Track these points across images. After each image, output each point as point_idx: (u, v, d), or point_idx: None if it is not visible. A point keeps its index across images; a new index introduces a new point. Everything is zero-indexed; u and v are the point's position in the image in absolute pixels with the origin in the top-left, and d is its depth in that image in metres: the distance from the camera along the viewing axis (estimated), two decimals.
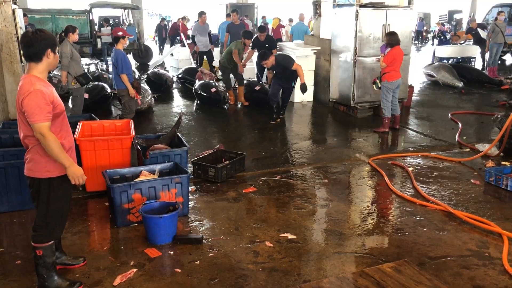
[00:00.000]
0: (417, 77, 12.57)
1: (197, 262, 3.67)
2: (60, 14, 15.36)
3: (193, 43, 12.64)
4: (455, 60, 14.93)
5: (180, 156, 5.10)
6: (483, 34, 14.82)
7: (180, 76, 11.67)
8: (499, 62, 14.55)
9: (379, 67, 7.56)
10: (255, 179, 5.52)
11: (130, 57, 14.83)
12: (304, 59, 9.12)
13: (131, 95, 6.72)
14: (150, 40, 26.73)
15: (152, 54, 17.14)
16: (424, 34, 28.36)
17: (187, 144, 5.37)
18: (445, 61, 14.68)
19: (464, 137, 7.21)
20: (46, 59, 3.00)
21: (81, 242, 4.02)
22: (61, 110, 3.09)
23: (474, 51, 15.07)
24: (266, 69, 9.24)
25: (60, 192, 3.12)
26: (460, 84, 11.33)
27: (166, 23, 22.72)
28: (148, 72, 11.63)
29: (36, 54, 2.97)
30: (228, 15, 15.10)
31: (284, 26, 17.71)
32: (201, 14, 12.14)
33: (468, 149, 6.65)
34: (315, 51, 9.56)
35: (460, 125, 7.82)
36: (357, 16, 8.32)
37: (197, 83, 10.03)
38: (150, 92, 9.24)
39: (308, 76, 7.93)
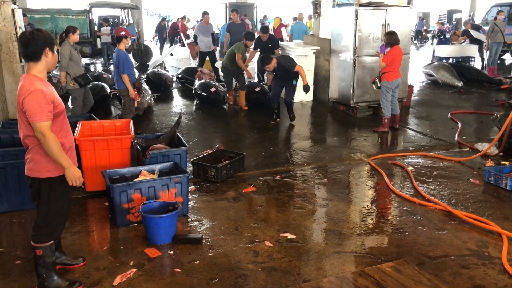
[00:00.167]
0: (416, 76, 12.57)
1: (197, 262, 3.67)
2: (59, 14, 15.35)
3: (194, 43, 12.60)
4: (454, 59, 14.93)
5: (180, 156, 5.09)
6: (475, 34, 14.88)
7: (179, 76, 11.66)
8: (499, 61, 14.55)
9: (379, 67, 7.56)
10: (255, 179, 5.52)
11: (129, 56, 14.79)
12: (303, 58, 9.11)
13: (131, 95, 6.72)
14: (150, 40, 26.69)
15: (152, 54, 17.12)
16: (424, 33, 28.35)
17: (186, 144, 5.36)
18: (444, 60, 14.68)
19: (464, 137, 7.22)
20: (44, 58, 3.01)
21: (80, 242, 4.02)
22: (62, 110, 3.10)
23: (474, 50, 15.08)
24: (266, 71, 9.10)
25: (61, 192, 3.12)
26: (460, 84, 11.34)
27: (166, 23, 22.69)
28: (148, 72, 11.63)
29: (34, 54, 2.97)
30: (231, 19, 15.04)
31: (285, 26, 17.69)
32: (204, 14, 12.10)
33: (467, 149, 6.66)
34: (315, 50, 9.56)
35: (459, 124, 7.83)
36: (356, 15, 8.32)
37: (197, 83, 10.03)
38: (149, 92, 9.24)
39: (307, 76, 7.88)
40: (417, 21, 26.90)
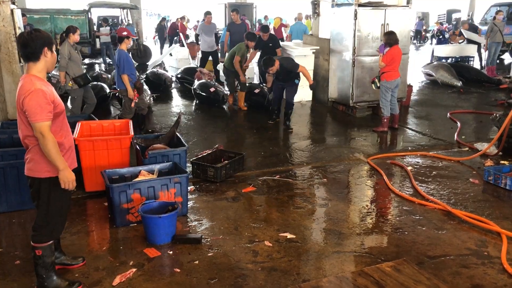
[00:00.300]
0: (416, 76, 12.58)
1: (196, 262, 3.67)
2: (58, 14, 15.36)
3: (193, 43, 12.60)
4: (453, 59, 14.95)
5: (179, 156, 5.09)
6: (466, 34, 14.95)
7: (179, 76, 11.66)
8: (498, 61, 14.56)
9: (378, 67, 7.57)
10: (254, 178, 5.52)
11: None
12: (303, 58, 9.10)
13: (129, 96, 6.71)
14: (150, 40, 26.68)
15: (151, 54, 17.12)
16: (423, 33, 28.35)
17: (186, 144, 5.37)
18: (443, 60, 14.69)
19: (463, 136, 7.22)
20: (43, 57, 3.01)
21: (80, 242, 4.02)
22: (62, 110, 3.10)
23: (473, 50, 15.10)
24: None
25: (60, 192, 3.11)
26: (459, 83, 11.34)
27: (166, 23, 22.70)
28: (147, 72, 11.63)
29: (33, 54, 2.97)
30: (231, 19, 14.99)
31: (286, 26, 17.69)
32: (207, 14, 12.07)
33: (467, 148, 6.66)
34: (314, 50, 9.56)
35: (459, 124, 7.83)
36: (355, 15, 8.33)
37: (196, 83, 10.02)
38: (149, 92, 9.23)
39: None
40: (417, 21, 26.91)
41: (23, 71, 6.97)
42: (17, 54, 7.21)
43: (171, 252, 3.83)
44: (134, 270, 3.55)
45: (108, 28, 15.94)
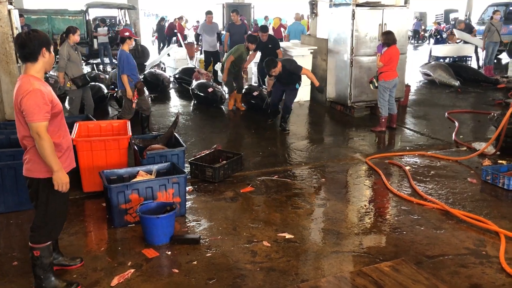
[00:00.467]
0: (413, 76, 12.59)
1: (195, 262, 3.66)
2: (56, 14, 15.33)
3: (191, 43, 12.58)
4: (451, 59, 14.97)
5: (177, 156, 5.09)
6: (458, 34, 15.02)
7: (177, 76, 11.65)
8: (495, 61, 14.59)
9: (376, 67, 7.57)
10: (253, 178, 5.52)
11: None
12: (301, 58, 9.09)
13: (128, 96, 6.70)
14: (148, 40, 26.61)
15: (149, 54, 17.10)
16: (422, 33, 28.38)
17: (184, 144, 5.36)
18: (441, 60, 14.71)
19: (461, 136, 7.23)
20: (41, 58, 3.00)
21: (78, 243, 4.01)
22: (59, 110, 3.09)
23: (470, 50, 15.12)
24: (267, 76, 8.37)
25: (59, 192, 3.11)
26: (457, 83, 11.36)
27: (165, 23, 22.67)
28: (145, 72, 11.61)
29: (31, 54, 2.97)
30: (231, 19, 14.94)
31: (286, 27, 17.66)
32: (207, 13, 12.04)
33: (464, 148, 6.67)
34: (312, 50, 9.56)
35: (456, 124, 7.84)
36: (353, 15, 8.33)
37: (194, 83, 10.02)
38: (147, 92, 9.21)
39: (305, 76, 7.77)
40: (415, 21, 26.95)
41: (20, 72, 6.95)
42: (15, 55, 7.19)
43: (169, 253, 3.82)
44: (132, 270, 3.54)
45: (105, 28, 15.93)
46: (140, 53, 16.62)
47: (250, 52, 9.02)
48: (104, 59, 16.14)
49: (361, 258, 3.76)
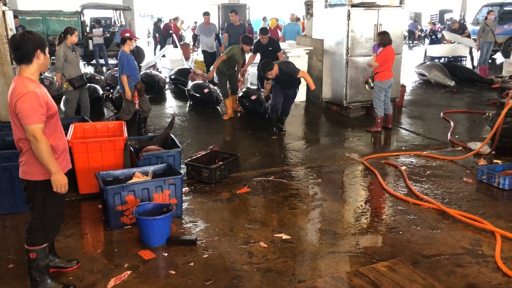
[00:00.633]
0: (409, 76, 12.63)
1: (192, 264, 3.66)
2: (51, 15, 15.30)
3: (187, 44, 12.56)
4: (446, 59, 15.02)
5: (174, 157, 5.08)
6: (447, 35, 15.12)
7: (172, 77, 11.63)
8: (490, 61, 14.66)
9: (371, 67, 7.58)
10: (249, 179, 5.51)
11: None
12: (296, 59, 9.11)
13: (126, 96, 6.69)
14: (146, 41, 26.55)
15: (144, 55, 17.07)
16: (418, 33, 28.45)
17: (180, 145, 5.35)
18: (436, 60, 14.77)
19: (456, 136, 7.26)
20: (36, 60, 2.98)
21: (74, 245, 4.00)
22: (55, 112, 3.08)
23: (465, 50, 15.19)
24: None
25: (56, 194, 3.10)
26: (452, 83, 11.40)
27: (161, 24, 22.66)
28: (140, 73, 11.57)
29: (26, 56, 2.95)
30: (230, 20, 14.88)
31: (281, 28, 17.67)
32: (205, 14, 11.99)
33: (460, 148, 6.69)
34: (308, 51, 9.57)
35: (452, 123, 7.87)
36: (349, 16, 8.35)
37: (190, 84, 10.00)
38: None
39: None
40: (411, 22, 27.02)
41: (15, 73, 6.92)
42: (9, 56, 7.17)
43: (166, 254, 3.82)
44: (129, 272, 3.53)
45: (100, 29, 15.88)
46: (135, 54, 16.56)
47: (249, 54, 8.90)
48: (100, 60, 16.09)
49: (358, 258, 3.76)
